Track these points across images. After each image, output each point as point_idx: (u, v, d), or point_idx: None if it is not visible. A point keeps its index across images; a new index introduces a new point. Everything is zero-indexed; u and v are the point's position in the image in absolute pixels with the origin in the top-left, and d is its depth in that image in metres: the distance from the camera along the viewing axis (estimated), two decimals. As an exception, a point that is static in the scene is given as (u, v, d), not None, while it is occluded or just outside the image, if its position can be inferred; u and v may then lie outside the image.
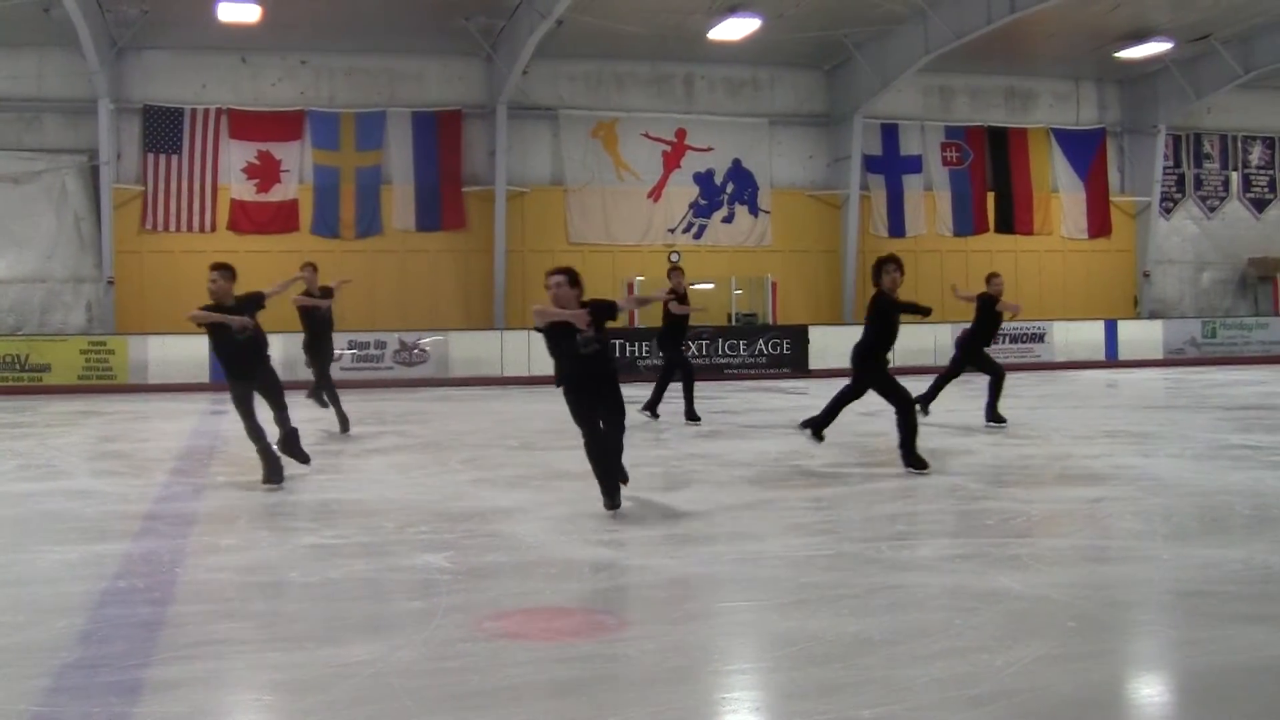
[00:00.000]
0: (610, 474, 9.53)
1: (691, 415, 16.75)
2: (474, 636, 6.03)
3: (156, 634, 6.08)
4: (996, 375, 15.83)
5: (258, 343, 11.34)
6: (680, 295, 16.67)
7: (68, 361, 25.66)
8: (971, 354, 16.24)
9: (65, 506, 10.18)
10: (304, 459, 11.72)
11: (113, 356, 25.78)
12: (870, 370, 11.80)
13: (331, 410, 16.08)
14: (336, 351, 18.17)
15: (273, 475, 11.18)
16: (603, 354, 9.60)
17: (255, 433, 11.19)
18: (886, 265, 11.78)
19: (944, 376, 16.34)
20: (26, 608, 6.83)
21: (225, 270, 11.27)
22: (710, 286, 29.82)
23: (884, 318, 11.75)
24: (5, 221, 27.54)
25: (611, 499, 9.48)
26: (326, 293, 16.02)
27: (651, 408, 17.02)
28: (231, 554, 8.30)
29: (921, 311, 12.01)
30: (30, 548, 8.54)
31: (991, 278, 16.40)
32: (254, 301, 11.51)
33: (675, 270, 17.28)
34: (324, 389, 15.90)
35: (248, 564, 7.98)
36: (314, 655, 5.74)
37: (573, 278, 9.47)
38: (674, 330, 17.06)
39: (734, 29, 27.36)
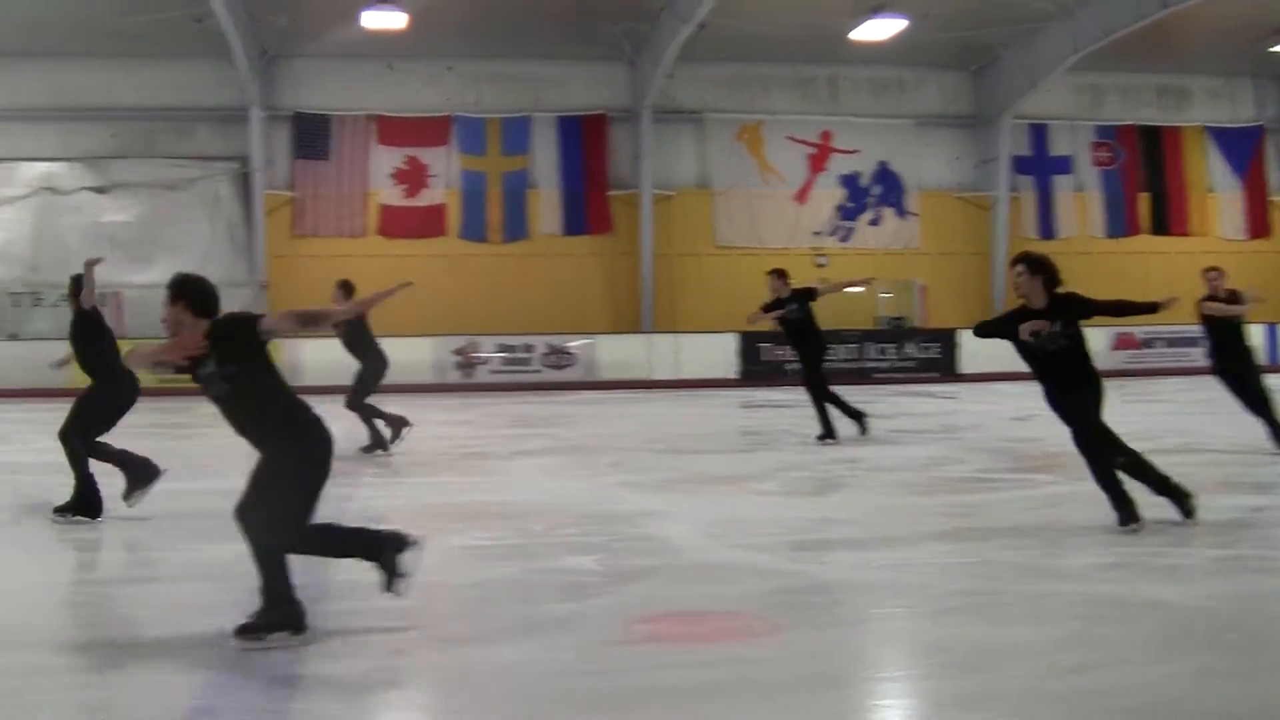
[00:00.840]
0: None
1: (827, 433, 15.00)
2: (622, 639, 6.06)
3: (309, 632, 6.19)
4: (1247, 397, 12.74)
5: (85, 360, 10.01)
6: (780, 301, 14.86)
7: (224, 364, 26.24)
8: (1220, 374, 12.95)
9: (220, 506, 10.40)
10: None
11: (268, 359, 26.34)
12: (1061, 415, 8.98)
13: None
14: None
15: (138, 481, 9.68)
16: (242, 394, 6.29)
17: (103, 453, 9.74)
18: (1013, 269, 9.10)
19: (1262, 414, 12.75)
20: (184, 604, 7.02)
21: (74, 284, 9.88)
22: (861, 290, 29.34)
23: (1019, 341, 8.88)
24: (162, 228, 28.29)
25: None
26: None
27: (828, 433, 14.95)
28: (383, 554, 8.42)
29: (1112, 311, 8.98)
30: (187, 546, 8.77)
31: (1205, 272, 13.09)
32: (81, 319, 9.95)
33: (772, 273, 15.08)
34: (357, 404, 14.15)
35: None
36: (465, 655, 5.82)
37: (178, 289, 6.33)
38: (794, 343, 15.39)
39: (877, 29, 27.06)
